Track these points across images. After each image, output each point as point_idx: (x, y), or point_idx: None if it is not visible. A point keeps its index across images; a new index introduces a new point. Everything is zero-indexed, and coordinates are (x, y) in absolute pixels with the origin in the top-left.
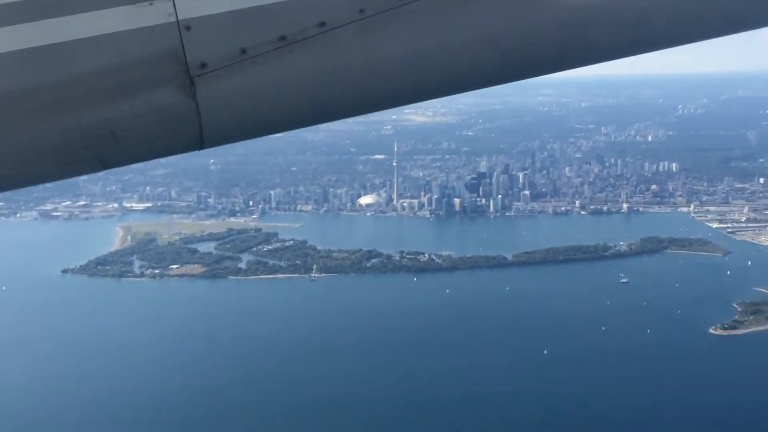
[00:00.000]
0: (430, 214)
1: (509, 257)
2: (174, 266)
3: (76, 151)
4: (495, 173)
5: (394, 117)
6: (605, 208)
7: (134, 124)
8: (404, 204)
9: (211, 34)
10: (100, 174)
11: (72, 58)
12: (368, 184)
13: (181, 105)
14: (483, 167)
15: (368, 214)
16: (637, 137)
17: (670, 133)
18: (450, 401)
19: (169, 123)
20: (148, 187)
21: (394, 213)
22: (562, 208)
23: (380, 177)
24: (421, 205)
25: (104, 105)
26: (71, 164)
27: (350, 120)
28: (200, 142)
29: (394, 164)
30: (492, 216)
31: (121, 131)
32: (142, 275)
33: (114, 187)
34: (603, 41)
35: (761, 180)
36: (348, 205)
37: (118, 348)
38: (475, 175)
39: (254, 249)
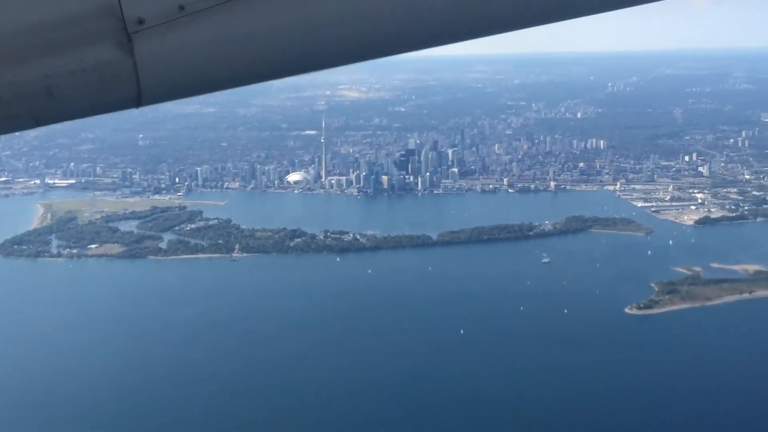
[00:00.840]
0: (358, 192)
1: (434, 237)
2: (93, 246)
3: (10, 106)
4: (424, 150)
5: (328, 92)
6: (532, 186)
7: (70, 81)
8: (332, 181)
9: None
10: (24, 149)
11: (6, 13)
12: (296, 161)
13: (118, 62)
14: (412, 144)
15: (296, 191)
16: (567, 114)
17: (600, 110)
18: (354, 382)
19: (106, 80)
20: (72, 163)
21: (321, 191)
22: (490, 186)
23: (310, 153)
24: (349, 183)
25: (39, 61)
26: (4, 120)
27: (283, 95)
28: (138, 99)
29: (323, 141)
30: (420, 194)
31: (56, 88)
32: (59, 255)
33: (37, 163)
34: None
35: (686, 158)
36: (276, 182)
37: (22, 330)
38: (403, 152)
39: (177, 228)
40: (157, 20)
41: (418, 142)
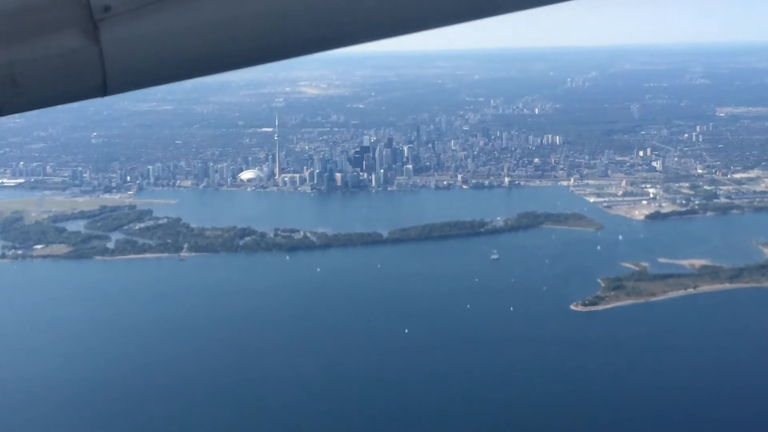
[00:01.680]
0: (312, 190)
1: (385, 234)
2: (38, 246)
3: None
4: (378, 147)
5: (287, 89)
6: (486, 182)
7: (35, 69)
8: (286, 179)
9: None
10: None
11: None
12: (250, 158)
13: (84, 50)
14: (367, 141)
15: (249, 189)
16: (525, 110)
17: (557, 106)
18: (291, 383)
19: (72, 68)
20: (22, 162)
21: (275, 188)
22: (445, 183)
23: (266, 150)
24: (302, 180)
25: (3, 48)
26: None
27: (242, 91)
28: (104, 88)
29: (276, 138)
30: (374, 191)
31: (20, 76)
32: (3, 256)
33: None
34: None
35: (640, 153)
36: (228, 180)
37: None
38: (358, 149)
39: (126, 227)
40: (124, 7)
41: (374, 139)
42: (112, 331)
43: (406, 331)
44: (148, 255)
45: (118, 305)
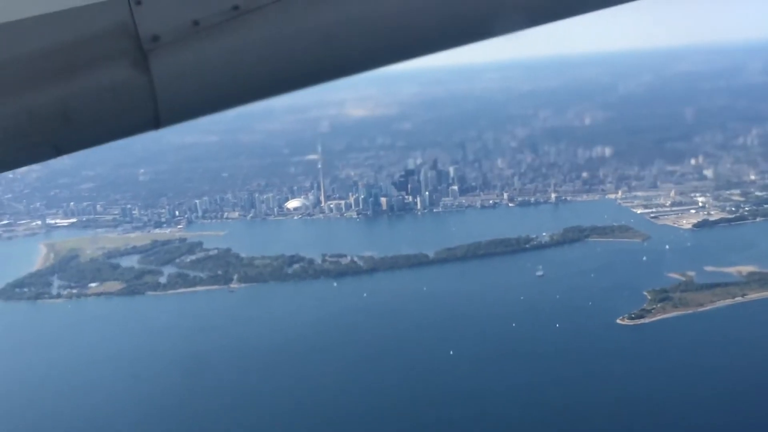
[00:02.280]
0: (357, 215)
1: (431, 255)
2: (93, 284)
3: (27, 135)
4: (423, 169)
5: (333, 112)
6: (533, 199)
7: (87, 104)
8: (331, 206)
9: (163, 6)
10: (25, 191)
11: (20, 37)
12: (295, 188)
13: (134, 81)
14: (411, 164)
15: (295, 218)
16: (575, 121)
17: (609, 114)
18: (344, 408)
19: (123, 101)
20: (72, 202)
21: (321, 215)
22: (490, 202)
23: (311, 179)
24: (348, 206)
25: (54, 85)
26: (24, 150)
27: (287, 117)
28: (156, 120)
29: (319, 167)
30: (419, 213)
31: (73, 112)
32: (58, 296)
33: (38, 204)
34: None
35: (692, 161)
36: (275, 210)
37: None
38: (403, 173)
39: (177, 260)
40: (173, 36)
41: (420, 160)
42: (157, 367)
43: (451, 353)
44: (199, 288)
45: (165, 340)
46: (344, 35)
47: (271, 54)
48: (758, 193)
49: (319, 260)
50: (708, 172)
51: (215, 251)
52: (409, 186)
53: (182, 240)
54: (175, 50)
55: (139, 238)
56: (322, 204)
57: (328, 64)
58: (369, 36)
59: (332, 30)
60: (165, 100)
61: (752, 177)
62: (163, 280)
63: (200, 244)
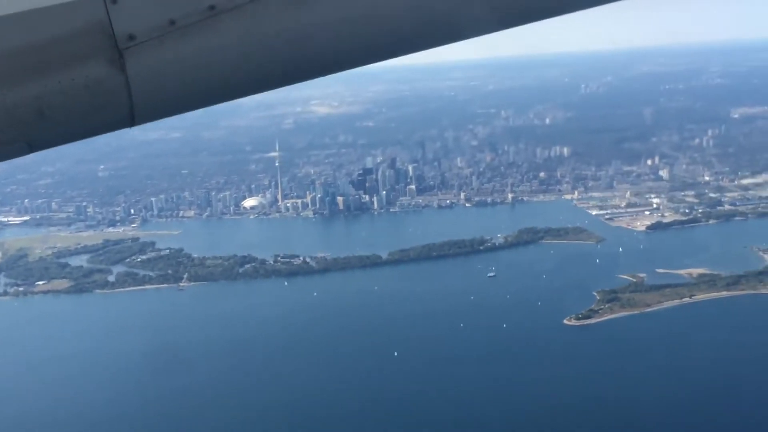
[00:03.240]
0: (314, 215)
1: (384, 256)
2: (40, 282)
3: (3, 131)
4: (380, 168)
5: (298, 109)
6: (489, 199)
7: (62, 102)
8: (288, 205)
9: (139, 6)
10: None
11: None
12: (253, 186)
13: (110, 80)
14: (370, 162)
15: (251, 217)
16: (536, 121)
17: (569, 114)
18: (275, 410)
19: (99, 99)
20: (27, 200)
21: (277, 215)
22: (447, 201)
23: (270, 177)
24: (305, 206)
25: (29, 82)
26: None
27: (253, 114)
28: (131, 118)
29: (277, 164)
30: (376, 213)
31: (48, 109)
32: (5, 294)
33: None
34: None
35: (648, 162)
36: (231, 209)
37: None
38: (361, 171)
39: (128, 260)
40: (149, 35)
41: (380, 159)
42: (100, 365)
43: (396, 354)
44: (147, 286)
45: (111, 338)
46: (320, 35)
47: (247, 53)
48: (712, 195)
49: (271, 261)
50: (664, 173)
51: (167, 251)
52: (366, 185)
53: (135, 239)
54: (151, 49)
55: (91, 237)
56: (279, 203)
57: (304, 63)
58: (345, 36)
59: (308, 30)
60: (140, 99)
61: (707, 178)
62: (111, 278)
63: (153, 243)
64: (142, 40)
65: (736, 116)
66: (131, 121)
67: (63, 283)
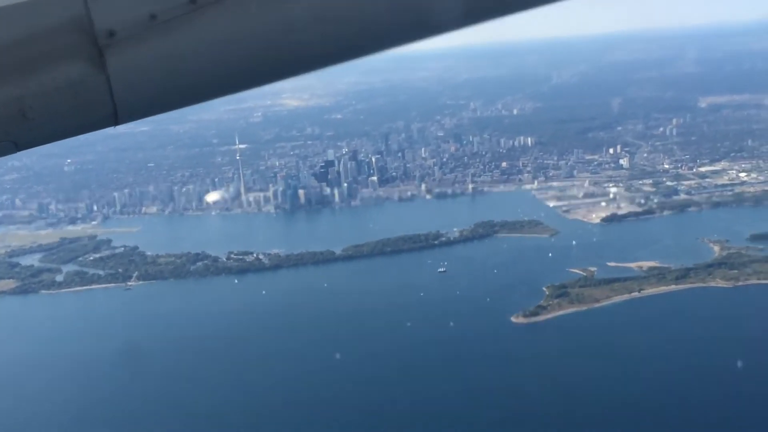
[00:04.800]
0: (275, 209)
1: (338, 252)
2: None
3: None
4: (342, 160)
5: (268, 102)
6: (450, 191)
7: (43, 101)
8: (251, 199)
9: (118, 1)
10: None
11: None
12: (216, 180)
13: (91, 78)
14: (332, 155)
15: (213, 212)
16: (503, 111)
17: (538, 104)
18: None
19: (80, 98)
20: None
21: (239, 210)
22: (408, 194)
23: (235, 170)
24: (267, 200)
25: (10, 82)
26: None
27: (222, 107)
28: (115, 116)
29: (238, 157)
30: (337, 207)
31: (30, 109)
32: None
33: None
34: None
35: (611, 150)
36: (194, 204)
37: None
38: (323, 163)
39: (81, 259)
40: (129, 32)
41: (346, 150)
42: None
43: (338, 356)
44: (95, 286)
45: (46, 339)
46: (304, 30)
47: (230, 49)
48: (669, 183)
49: (224, 258)
50: (624, 162)
51: (122, 249)
52: (328, 177)
53: (92, 237)
54: (132, 46)
55: (49, 235)
56: (242, 197)
57: (288, 59)
58: (330, 30)
59: (292, 24)
60: (123, 97)
61: (666, 166)
62: (60, 278)
63: (109, 241)
64: (123, 37)
65: (703, 105)
66: (115, 120)
67: (9, 284)
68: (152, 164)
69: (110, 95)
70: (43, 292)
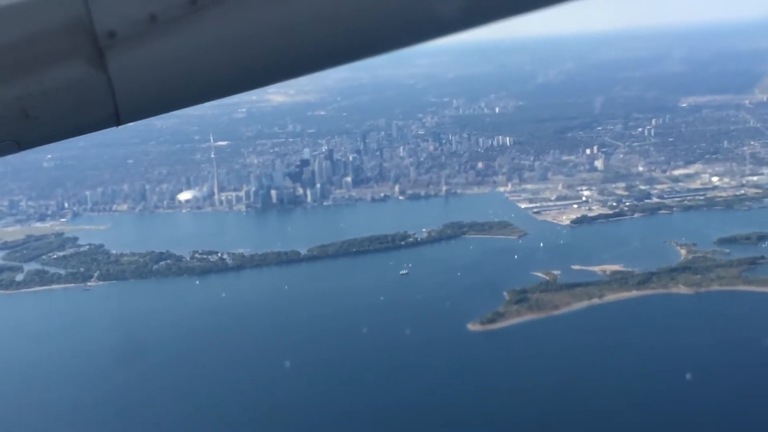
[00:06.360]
0: (246, 208)
1: (303, 252)
2: None
3: None
4: (317, 159)
5: (254, 98)
6: (423, 192)
7: (45, 102)
8: (223, 198)
9: (119, 1)
10: None
11: None
12: (191, 178)
13: (91, 79)
14: (307, 154)
15: (184, 210)
16: (485, 110)
17: (520, 103)
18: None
19: (82, 98)
20: None
21: (210, 208)
22: (381, 195)
23: (213, 167)
24: (239, 199)
25: (11, 82)
26: None
27: (208, 103)
28: (116, 117)
29: (213, 156)
30: (309, 206)
31: (32, 109)
32: None
33: None
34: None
35: (587, 151)
36: (166, 202)
37: None
38: (298, 163)
39: (44, 257)
40: (130, 32)
41: (325, 148)
42: None
43: (288, 364)
44: (54, 286)
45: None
46: (305, 31)
47: (231, 49)
48: (642, 187)
49: (188, 257)
50: (599, 164)
51: (87, 247)
52: (303, 177)
53: (58, 235)
54: (133, 46)
55: (16, 232)
56: (215, 196)
57: (289, 60)
58: (333, 31)
59: (293, 25)
60: (124, 98)
61: (640, 169)
62: (20, 277)
63: (75, 239)
64: (124, 38)
65: (684, 105)
66: (117, 120)
67: None
68: (131, 161)
69: (112, 95)
70: (1, 292)
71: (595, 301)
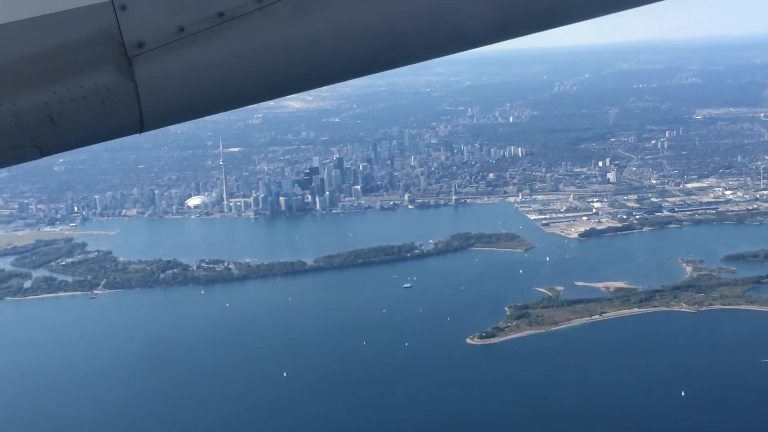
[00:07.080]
0: (255, 215)
1: (309, 262)
2: None
3: (13, 136)
4: (326, 167)
5: (271, 103)
6: (433, 201)
7: (72, 108)
8: (232, 204)
9: (148, 13)
10: None
11: (6, 41)
12: (201, 184)
13: (119, 87)
14: (316, 162)
15: (193, 216)
16: (500, 119)
17: (535, 113)
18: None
19: (108, 105)
20: None
21: (219, 215)
22: (391, 203)
23: (224, 173)
24: (248, 205)
25: (40, 88)
26: (8, 151)
27: None
28: (141, 124)
29: (221, 162)
30: (318, 214)
31: (58, 115)
32: None
33: None
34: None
35: (600, 163)
36: (175, 207)
37: None
38: (307, 170)
39: (53, 263)
40: (157, 43)
41: (336, 156)
42: None
43: (285, 374)
44: (61, 294)
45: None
46: (329, 42)
47: (255, 60)
48: (654, 199)
49: (194, 266)
50: (611, 176)
51: (95, 253)
52: (312, 185)
53: (68, 240)
54: (160, 56)
55: (26, 236)
56: (224, 202)
57: (312, 71)
58: (353, 44)
59: (317, 37)
60: (149, 105)
61: (653, 181)
62: (28, 284)
63: (84, 245)
64: (151, 48)
65: (698, 117)
66: (140, 127)
67: None
68: (142, 165)
69: (137, 103)
70: (8, 299)
71: (596, 317)
